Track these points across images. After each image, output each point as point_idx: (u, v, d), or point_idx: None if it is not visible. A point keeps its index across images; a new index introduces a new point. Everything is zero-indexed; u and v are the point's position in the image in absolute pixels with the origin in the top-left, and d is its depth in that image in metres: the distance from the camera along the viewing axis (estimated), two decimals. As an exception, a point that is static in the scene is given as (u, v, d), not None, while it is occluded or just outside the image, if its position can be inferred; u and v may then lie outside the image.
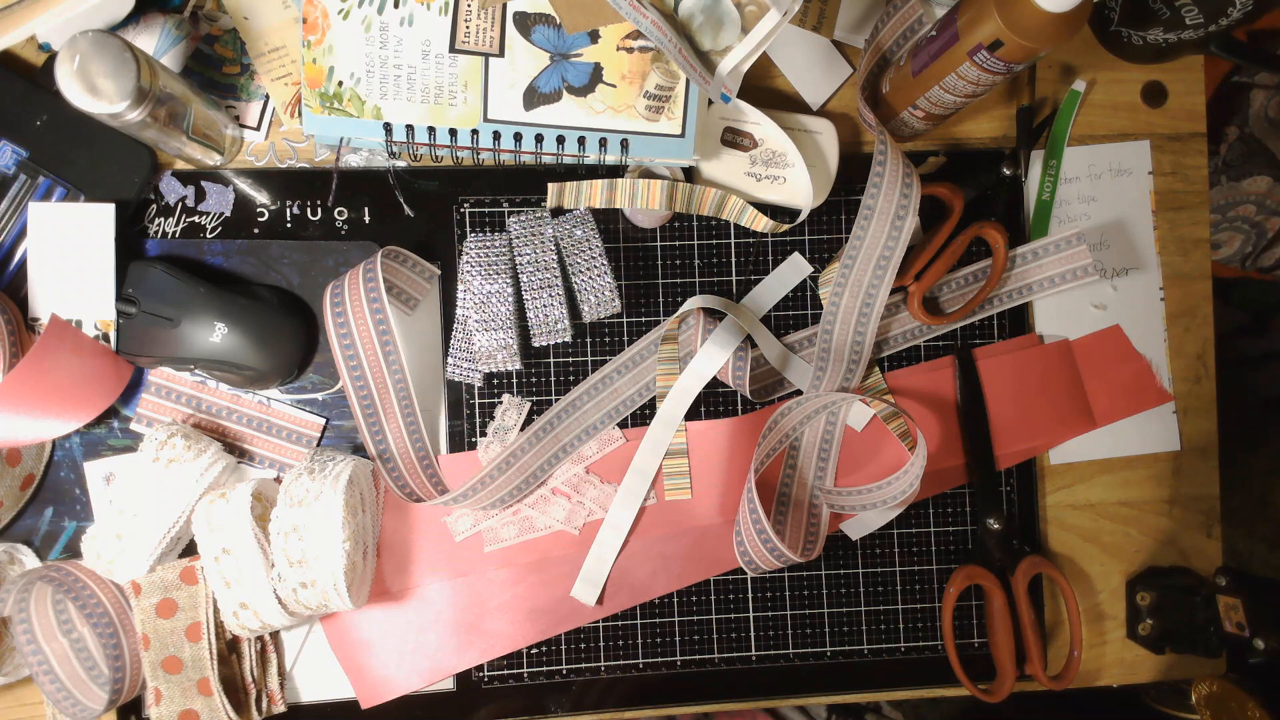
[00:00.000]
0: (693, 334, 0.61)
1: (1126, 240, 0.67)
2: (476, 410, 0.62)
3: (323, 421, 0.61)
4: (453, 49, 0.56)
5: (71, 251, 0.57)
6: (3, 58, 0.59)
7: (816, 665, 0.64)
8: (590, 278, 0.59)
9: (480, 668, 0.62)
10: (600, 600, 0.62)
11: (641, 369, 0.63)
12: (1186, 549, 0.67)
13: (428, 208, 0.62)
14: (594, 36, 0.56)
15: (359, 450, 0.61)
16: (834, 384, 0.62)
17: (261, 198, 0.61)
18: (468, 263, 0.58)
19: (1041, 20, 0.48)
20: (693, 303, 0.62)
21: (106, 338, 0.57)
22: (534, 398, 0.62)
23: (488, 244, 0.58)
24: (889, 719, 0.97)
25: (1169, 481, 0.67)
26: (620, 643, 0.63)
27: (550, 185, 0.59)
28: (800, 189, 0.62)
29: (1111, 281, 0.67)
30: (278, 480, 0.60)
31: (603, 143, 0.58)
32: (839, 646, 0.64)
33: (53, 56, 0.58)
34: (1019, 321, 0.66)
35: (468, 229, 0.62)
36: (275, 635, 0.60)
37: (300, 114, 0.61)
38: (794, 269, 0.64)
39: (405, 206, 0.62)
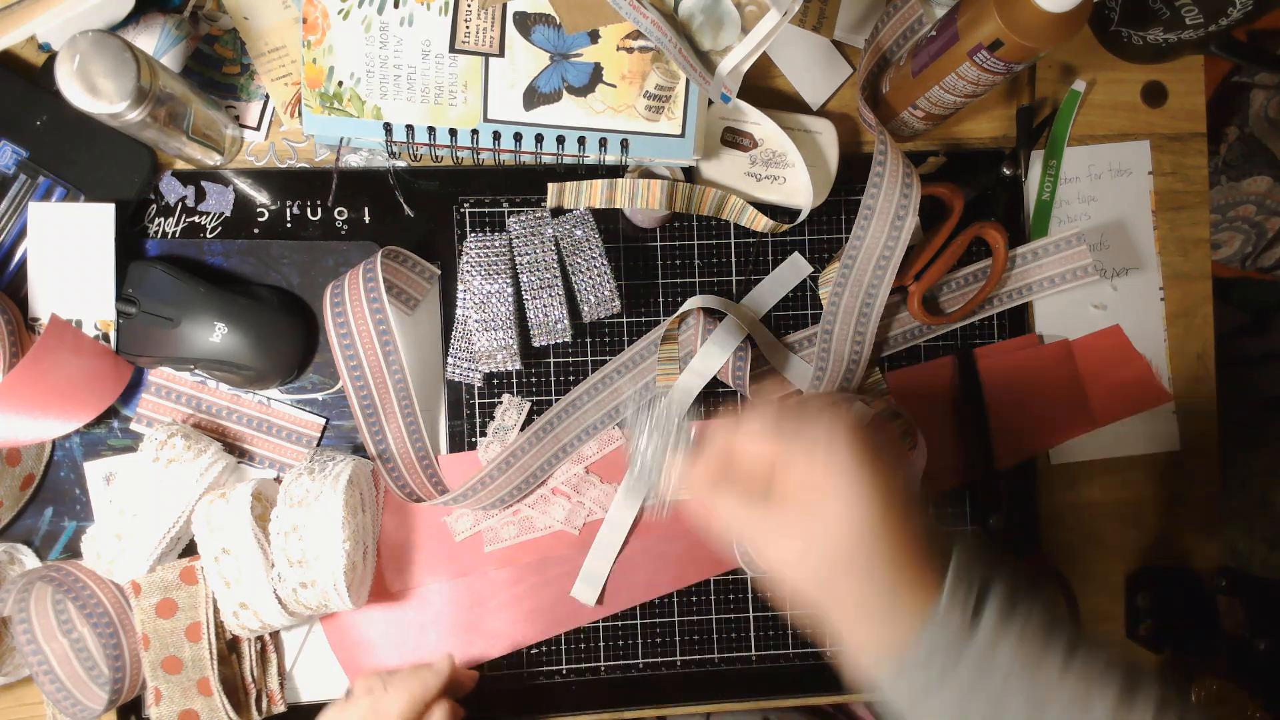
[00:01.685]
0: (693, 334, 0.61)
1: (1126, 240, 0.67)
2: (476, 410, 0.62)
3: (323, 421, 0.61)
4: (453, 49, 0.56)
5: (71, 251, 0.57)
6: (3, 58, 0.59)
7: (816, 665, 0.64)
8: (590, 278, 0.59)
9: (480, 668, 0.62)
10: (600, 600, 0.62)
11: (641, 369, 0.63)
12: (1186, 549, 0.67)
13: (428, 208, 0.62)
14: (594, 36, 0.56)
15: (359, 450, 0.61)
16: (834, 384, 0.62)
17: (261, 198, 0.61)
18: (468, 263, 0.58)
19: (1041, 20, 0.48)
20: (693, 303, 0.62)
21: (106, 338, 0.57)
22: (534, 398, 0.62)
23: (488, 244, 0.58)
24: None
25: (1169, 481, 0.67)
26: (620, 643, 0.63)
27: (550, 185, 0.59)
28: (800, 189, 0.62)
29: (1111, 281, 0.67)
30: (278, 480, 0.60)
31: (603, 143, 0.58)
32: (839, 646, 0.64)
33: (53, 56, 0.58)
34: (1019, 321, 0.66)
35: (468, 229, 0.62)
36: (275, 635, 0.60)
37: (300, 114, 0.61)
38: (794, 269, 0.64)
39: (405, 206, 0.62)
